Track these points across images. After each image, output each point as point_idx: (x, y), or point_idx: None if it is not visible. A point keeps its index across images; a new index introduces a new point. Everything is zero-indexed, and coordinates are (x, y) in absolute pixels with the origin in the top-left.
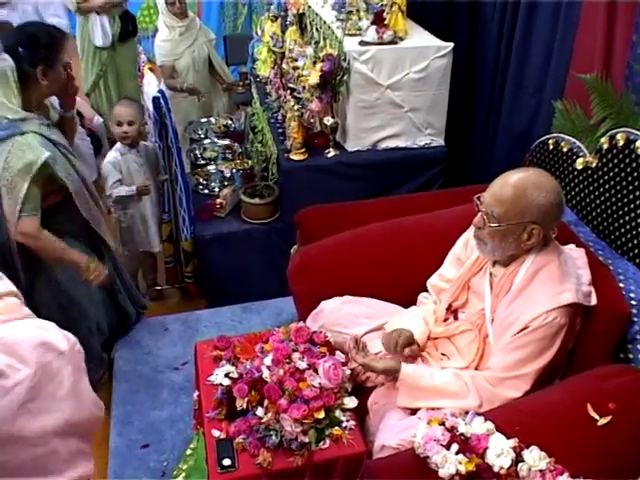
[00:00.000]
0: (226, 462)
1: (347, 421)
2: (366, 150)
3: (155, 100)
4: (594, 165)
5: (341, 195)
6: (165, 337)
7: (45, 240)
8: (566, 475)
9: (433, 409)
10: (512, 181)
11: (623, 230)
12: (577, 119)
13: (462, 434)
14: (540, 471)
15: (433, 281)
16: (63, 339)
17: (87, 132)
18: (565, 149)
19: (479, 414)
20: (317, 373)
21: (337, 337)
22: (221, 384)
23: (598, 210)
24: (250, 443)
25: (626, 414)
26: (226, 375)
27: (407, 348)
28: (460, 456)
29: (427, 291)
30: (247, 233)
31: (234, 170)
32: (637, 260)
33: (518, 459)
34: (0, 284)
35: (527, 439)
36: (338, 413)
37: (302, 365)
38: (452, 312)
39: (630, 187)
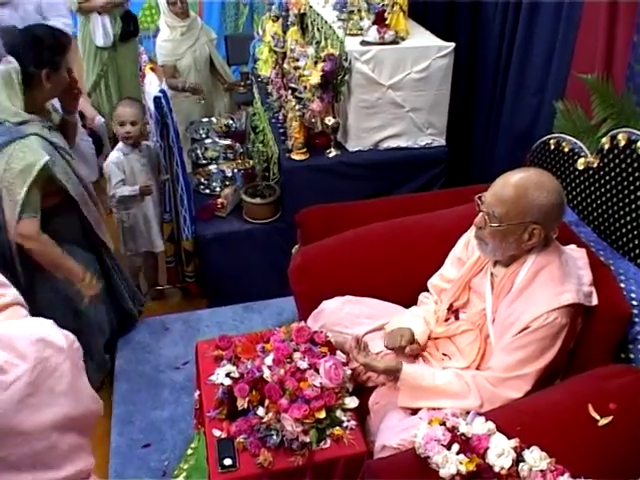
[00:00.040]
0: (227, 462)
1: (348, 421)
2: (367, 150)
3: (156, 100)
4: (595, 165)
5: (342, 195)
6: (166, 337)
7: (44, 243)
8: (567, 475)
9: (434, 409)
10: (513, 181)
11: (624, 230)
12: (578, 119)
13: (463, 434)
14: (541, 471)
15: (434, 281)
16: (61, 336)
17: (88, 132)
18: (566, 149)
19: (480, 414)
20: (318, 373)
21: (338, 337)
22: (222, 384)
23: (599, 210)
24: (251, 443)
25: (627, 414)
26: (227, 375)
27: (408, 347)
28: (461, 456)
29: (428, 291)
30: (248, 233)
31: (235, 170)
32: (638, 260)
33: (519, 459)
34: (8, 293)
35: (528, 439)
36: (339, 413)
37: (303, 365)
38: (453, 312)
39: (631, 187)
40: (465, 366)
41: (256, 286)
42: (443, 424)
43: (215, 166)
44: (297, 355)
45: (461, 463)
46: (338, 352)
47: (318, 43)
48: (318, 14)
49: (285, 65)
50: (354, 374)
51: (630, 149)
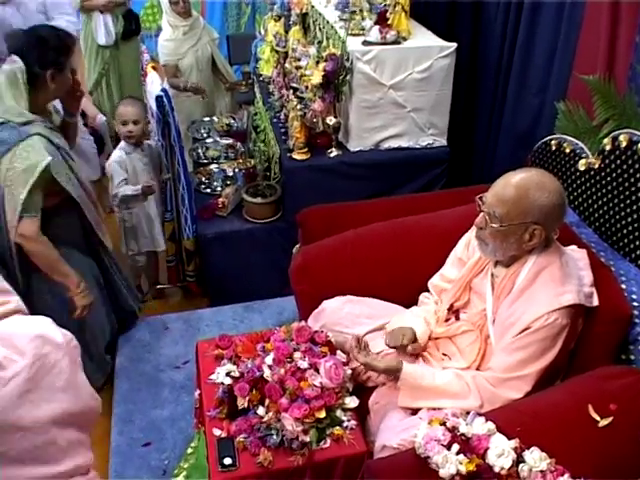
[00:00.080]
0: (227, 461)
1: (348, 421)
2: (368, 150)
3: (158, 99)
4: (597, 166)
5: (343, 195)
6: (166, 336)
7: (43, 244)
8: (567, 476)
9: (434, 409)
10: (514, 181)
11: (625, 231)
12: (580, 120)
13: (463, 434)
14: (541, 472)
15: (434, 281)
16: (60, 333)
17: (90, 130)
18: (568, 150)
19: (480, 414)
20: (318, 372)
21: (338, 337)
22: (222, 383)
23: (600, 211)
24: (251, 442)
25: (627, 415)
26: (227, 374)
27: (410, 346)
28: (461, 456)
29: (428, 291)
30: (249, 232)
31: (236, 169)
32: (639, 262)
33: (519, 460)
34: (12, 300)
35: (528, 440)
36: (339, 413)
37: (303, 364)
38: (454, 312)
39: (633, 188)
40: (465, 366)
41: (257, 286)
42: (443, 424)
43: (216, 165)
44: (297, 355)
45: (461, 463)
46: (338, 352)
47: (320, 43)
48: (320, 14)
49: (287, 65)
50: (354, 374)
51: (631, 150)
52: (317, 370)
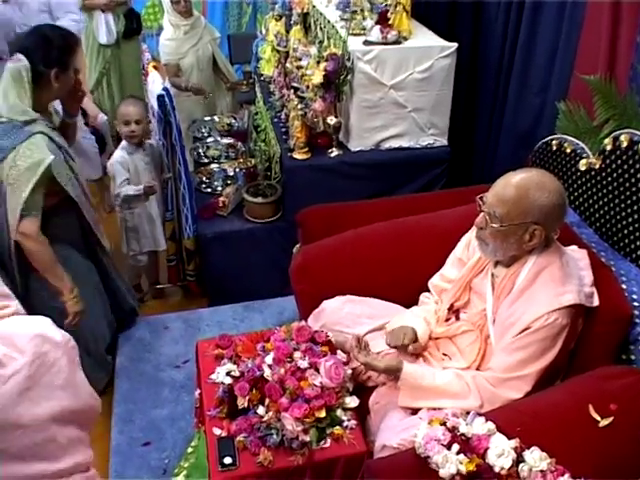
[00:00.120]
0: (227, 460)
1: (348, 420)
2: (369, 150)
3: (160, 98)
4: (597, 166)
5: (344, 195)
6: (166, 335)
7: (42, 245)
8: (567, 476)
9: (434, 409)
10: (515, 181)
11: (626, 231)
12: (581, 120)
13: (463, 434)
14: (541, 472)
15: (435, 281)
16: (58, 332)
17: (91, 130)
18: (568, 150)
19: (480, 414)
20: (318, 372)
21: (338, 336)
22: (222, 382)
23: (601, 211)
24: (251, 442)
25: (628, 415)
26: (227, 373)
27: (411, 345)
28: (461, 456)
29: (429, 291)
30: (249, 232)
31: (237, 169)
32: None
33: (519, 459)
34: (11, 304)
35: (528, 440)
36: (339, 412)
37: (303, 364)
38: (454, 312)
39: (633, 188)
40: (465, 366)
41: (257, 285)
42: (443, 424)
43: (217, 165)
44: (297, 354)
45: (461, 463)
46: (339, 351)
47: (321, 42)
48: (321, 13)
49: (288, 64)
50: (354, 373)
51: (632, 150)
52: (317, 370)
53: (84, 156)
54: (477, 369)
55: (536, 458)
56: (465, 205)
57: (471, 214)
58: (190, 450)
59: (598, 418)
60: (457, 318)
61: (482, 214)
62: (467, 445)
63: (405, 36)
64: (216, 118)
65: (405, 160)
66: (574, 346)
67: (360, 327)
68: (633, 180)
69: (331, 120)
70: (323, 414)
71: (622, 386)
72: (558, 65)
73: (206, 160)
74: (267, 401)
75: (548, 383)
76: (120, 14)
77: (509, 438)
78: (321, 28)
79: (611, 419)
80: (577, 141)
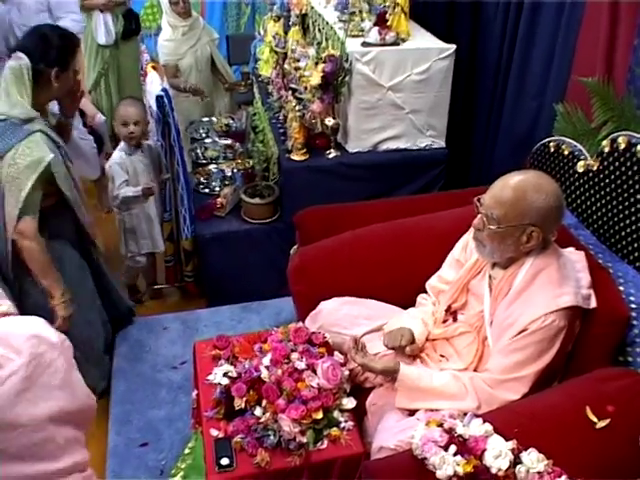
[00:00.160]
0: (224, 461)
1: (345, 422)
2: (367, 151)
3: (159, 98)
4: (595, 168)
5: (341, 196)
6: (164, 336)
7: (39, 244)
8: (564, 477)
9: (431, 410)
10: (512, 183)
11: (623, 233)
12: (578, 122)
13: (460, 435)
14: (538, 473)
15: (432, 283)
16: (54, 332)
17: (89, 130)
18: (566, 152)
19: (477, 416)
20: (315, 373)
21: (336, 338)
22: (220, 383)
23: (599, 213)
24: (248, 443)
25: (625, 417)
26: (225, 374)
27: (408, 347)
28: (458, 457)
29: (426, 292)
30: (247, 233)
31: (235, 170)
32: (637, 263)
33: (516, 461)
34: (4, 303)
35: (525, 441)
36: (336, 414)
37: (301, 365)
38: (451, 314)
39: (631, 190)
40: (463, 368)
41: (254, 286)
42: (440, 425)
43: (215, 166)
44: (295, 355)
45: (458, 464)
46: (336, 353)
47: (319, 44)
48: (319, 15)
49: (286, 65)
50: (352, 375)
51: (630, 152)
52: (314, 371)
53: (83, 157)
54: (474, 371)
55: (533, 459)
56: (463, 207)
57: (469, 216)
58: (187, 451)
59: (595, 420)
60: (454, 319)
61: (479, 216)
62: (464, 446)
63: (403, 38)
64: (214, 119)
65: (403, 161)
66: (571, 348)
67: (357, 328)
68: (631, 182)
69: (329, 121)
70: (320, 415)
71: (619, 388)
72: (556, 67)
73: (204, 161)
74: (264, 402)
75: (545, 385)
76: (119, 14)
77: (506, 439)
78: (319, 29)
79: (608, 421)
80: (575, 143)
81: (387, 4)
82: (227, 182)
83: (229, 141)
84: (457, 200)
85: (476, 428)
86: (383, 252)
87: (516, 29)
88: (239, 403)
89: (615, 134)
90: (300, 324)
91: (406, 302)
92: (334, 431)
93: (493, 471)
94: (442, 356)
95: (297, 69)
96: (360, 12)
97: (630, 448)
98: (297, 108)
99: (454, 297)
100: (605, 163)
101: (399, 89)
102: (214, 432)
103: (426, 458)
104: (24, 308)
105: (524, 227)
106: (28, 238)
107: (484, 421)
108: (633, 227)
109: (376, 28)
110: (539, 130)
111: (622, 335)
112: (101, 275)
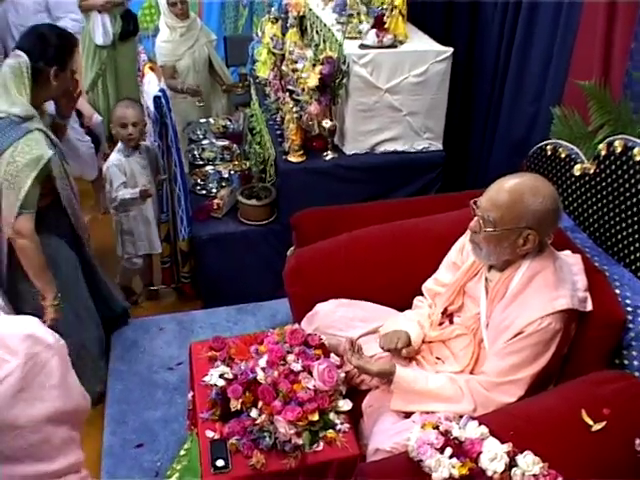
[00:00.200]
0: (220, 463)
1: (341, 424)
2: (364, 153)
3: (156, 99)
4: (592, 171)
5: (338, 198)
6: (160, 337)
7: (36, 244)
8: None
9: (427, 413)
10: (508, 186)
11: (620, 236)
12: (575, 125)
13: (456, 438)
14: (534, 476)
15: (428, 285)
16: (49, 333)
17: (86, 130)
18: (563, 155)
19: (473, 418)
20: (311, 375)
21: (332, 340)
22: (215, 385)
23: (595, 216)
24: (244, 444)
25: (620, 420)
26: (221, 376)
27: (404, 349)
28: (454, 460)
29: (422, 295)
30: (244, 234)
31: (232, 171)
32: (633, 266)
33: (512, 464)
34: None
35: (521, 444)
36: (332, 416)
37: (296, 367)
38: (447, 316)
39: (627, 194)
40: (459, 370)
41: (251, 288)
42: (436, 428)
43: (212, 167)
44: (291, 357)
45: (454, 467)
46: (332, 355)
47: (317, 46)
48: (317, 17)
49: (283, 67)
50: (348, 377)
51: (626, 156)
52: (310, 373)
53: (81, 157)
54: (470, 373)
55: (529, 462)
56: (459, 209)
57: (465, 218)
58: (183, 452)
59: (591, 422)
60: (451, 322)
61: (476, 218)
62: (460, 449)
63: (401, 40)
64: (211, 120)
65: (400, 164)
66: (567, 351)
67: (353, 330)
68: (627, 185)
69: (326, 123)
70: (316, 417)
71: (615, 391)
72: (553, 71)
73: (201, 162)
74: (260, 404)
75: (541, 387)
76: (117, 15)
77: (502, 442)
78: (317, 31)
79: (604, 424)
80: (572, 146)
81: (385, 6)
82: (224, 183)
83: (226, 142)
84: (454, 203)
85: (472, 431)
86: (379, 254)
87: (513, 32)
88: (235, 405)
89: (612, 137)
90: (296, 326)
91: (402, 304)
92: (330, 433)
93: (489, 474)
94: (438, 358)
95: (295, 71)
96: (358, 14)
97: (626, 451)
98: (294, 110)
99: (450, 299)
100: (602, 166)
101: (396, 91)
102: (210, 433)
103: (422, 460)
104: (18, 308)
105: (520, 230)
106: (25, 237)
107: (480, 424)
108: (629, 230)
109: (374, 30)
110: (536, 133)
111: (618, 338)
112: (94, 275)
